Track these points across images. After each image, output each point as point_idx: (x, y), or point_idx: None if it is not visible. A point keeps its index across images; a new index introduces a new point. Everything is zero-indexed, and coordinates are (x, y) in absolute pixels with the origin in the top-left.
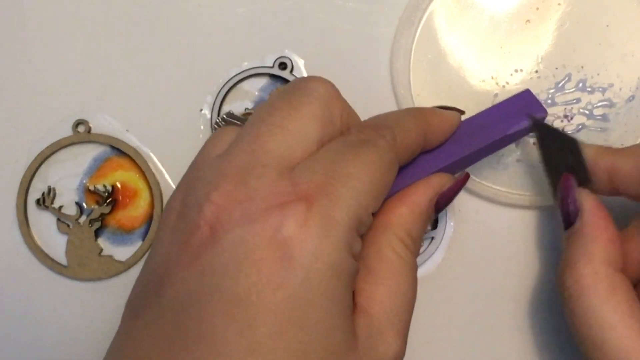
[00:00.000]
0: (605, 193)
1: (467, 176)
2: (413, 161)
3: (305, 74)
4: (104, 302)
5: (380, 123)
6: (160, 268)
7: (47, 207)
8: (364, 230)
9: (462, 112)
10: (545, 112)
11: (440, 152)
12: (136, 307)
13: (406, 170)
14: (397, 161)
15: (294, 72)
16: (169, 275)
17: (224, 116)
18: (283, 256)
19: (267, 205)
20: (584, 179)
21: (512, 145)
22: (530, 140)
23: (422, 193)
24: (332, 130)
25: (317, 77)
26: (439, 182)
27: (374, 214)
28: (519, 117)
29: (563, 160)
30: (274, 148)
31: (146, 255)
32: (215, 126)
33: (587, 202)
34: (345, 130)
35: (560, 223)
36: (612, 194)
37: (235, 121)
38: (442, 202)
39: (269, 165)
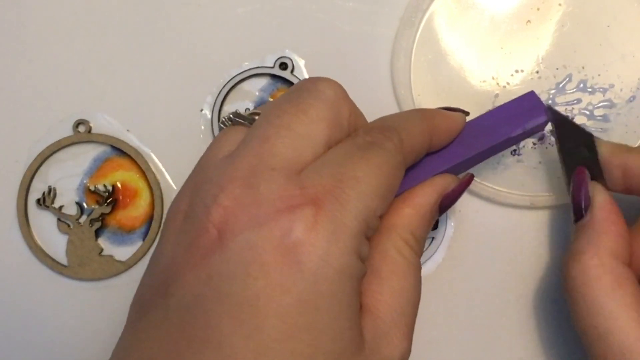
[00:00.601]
0: (618, 190)
1: (471, 177)
2: (418, 162)
3: (305, 75)
4: (104, 302)
5: (387, 125)
6: (167, 269)
7: (47, 207)
8: (372, 233)
9: (467, 114)
10: (548, 115)
11: (444, 153)
12: (142, 308)
13: (411, 171)
14: (404, 163)
15: (294, 73)
16: (176, 277)
17: (231, 115)
18: (291, 260)
19: (275, 209)
20: (598, 174)
21: (513, 146)
22: (530, 141)
23: (426, 194)
24: (340, 133)
25: (325, 79)
26: (443, 183)
27: (381, 216)
28: (522, 119)
29: (578, 153)
30: (282, 151)
31: (147, 255)
32: (221, 125)
33: (599, 196)
34: (353, 131)
35: (570, 216)
36: (625, 192)
37: (242, 121)
38: (446, 203)
39: (277, 169)
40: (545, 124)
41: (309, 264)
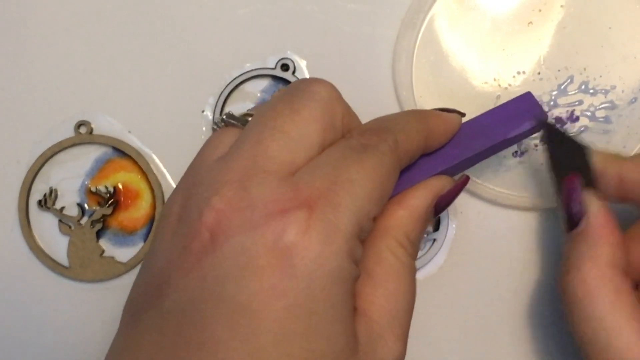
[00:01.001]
0: (613, 200)
1: (466, 179)
2: (413, 163)
3: (307, 76)
4: (106, 303)
5: (381, 126)
6: (161, 272)
7: (48, 208)
8: (365, 236)
9: (463, 115)
10: (546, 115)
11: (440, 154)
12: (136, 311)
13: (406, 172)
14: (399, 165)
15: (296, 74)
16: (170, 280)
17: (224, 117)
18: (285, 264)
19: (268, 212)
20: (589, 183)
21: (514, 147)
22: (532, 142)
23: (421, 196)
24: (334, 134)
25: (319, 80)
26: (438, 185)
27: (375, 219)
28: (519, 120)
29: (570, 163)
30: (275, 153)
31: None
32: (214, 127)
33: (593, 204)
34: (347, 133)
35: (562, 225)
36: (620, 201)
37: (235, 122)
38: (442, 204)
39: (270, 171)
40: (543, 125)
41: (302, 267)
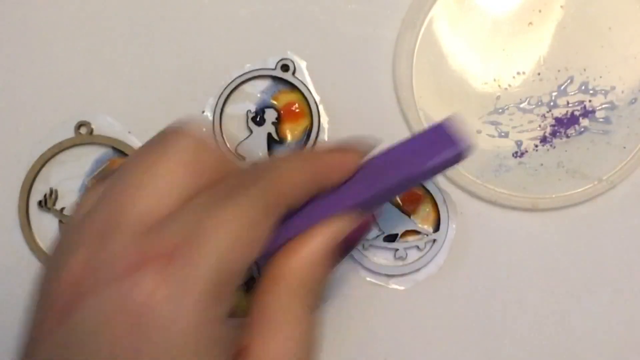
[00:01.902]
0: None
1: (370, 218)
2: (312, 202)
3: (307, 76)
4: None
5: (255, 168)
6: (31, 331)
7: (49, 209)
8: (238, 284)
9: (372, 147)
10: (466, 145)
11: (344, 191)
12: None
13: (303, 212)
14: (273, 209)
15: (296, 74)
16: (36, 342)
17: (94, 175)
18: (136, 322)
19: (121, 269)
20: None
21: (514, 147)
22: (532, 143)
23: (317, 240)
24: (201, 184)
25: (183, 130)
26: (338, 226)
27: (262, 265)
28: (436, 150)
29: None
30: (131, 209)
31: None
32: (88, 185)
33: None
34: (220, 179)
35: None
36: None
37: (103, 178)
38: (346, 246)
39: (126, 226)
40: (463, 154)
41: (154, 327)
